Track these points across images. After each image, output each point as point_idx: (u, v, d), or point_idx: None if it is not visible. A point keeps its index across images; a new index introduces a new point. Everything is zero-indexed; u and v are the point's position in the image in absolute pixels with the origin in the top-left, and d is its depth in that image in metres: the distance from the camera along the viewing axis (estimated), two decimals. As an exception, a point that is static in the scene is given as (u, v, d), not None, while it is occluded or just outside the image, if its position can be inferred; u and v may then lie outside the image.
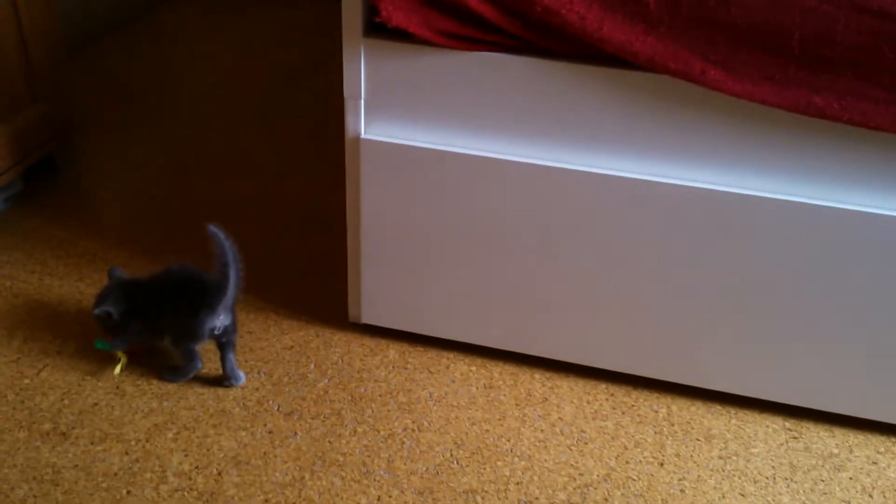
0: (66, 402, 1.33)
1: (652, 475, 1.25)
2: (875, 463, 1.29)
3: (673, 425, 1.34)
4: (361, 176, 1.32)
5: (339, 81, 1.29)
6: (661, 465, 1.27)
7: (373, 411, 1.34)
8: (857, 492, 1.24)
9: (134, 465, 1.23)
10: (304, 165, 2.01)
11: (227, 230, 1.26)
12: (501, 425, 1.33)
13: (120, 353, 1.40)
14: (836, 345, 1.26)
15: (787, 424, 1.35)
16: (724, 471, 1.26)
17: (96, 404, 1.33)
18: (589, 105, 1.20)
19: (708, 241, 1.23)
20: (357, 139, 1.30)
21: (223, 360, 1.36)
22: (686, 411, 1.37)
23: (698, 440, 1.32)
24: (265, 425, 1.31)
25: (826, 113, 1.09)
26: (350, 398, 1.37)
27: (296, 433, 1.30)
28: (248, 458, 1.25)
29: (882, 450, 1.31)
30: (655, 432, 1.33)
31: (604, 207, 1.25)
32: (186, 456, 1.25)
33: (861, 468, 1.28)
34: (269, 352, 1.45)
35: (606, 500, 1.21)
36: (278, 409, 1.34)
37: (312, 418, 1.32)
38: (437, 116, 1.26)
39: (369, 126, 1.30)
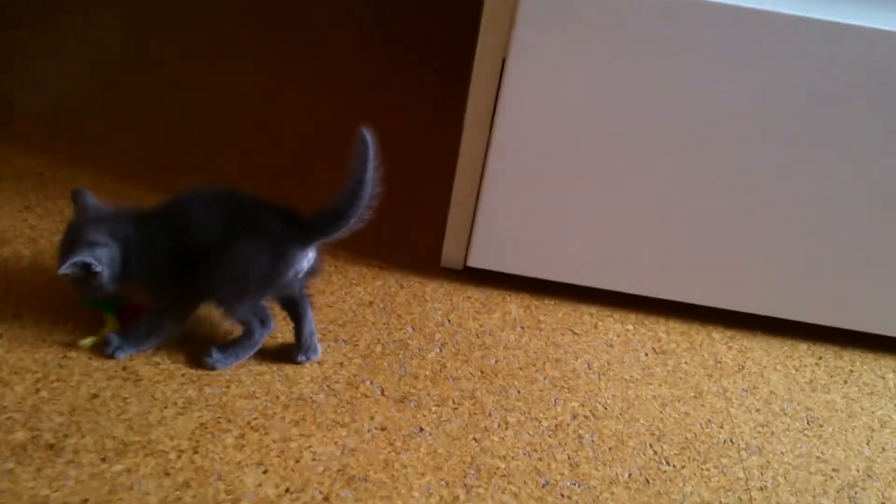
0: (44, 394, 0.83)
1: (922, 464, 0.91)
2: None
3: (913, 395, 1.01)
4: (512, 50, 0.88)
5: None
6: (928, 448, 0.93)
7: (519, 392, 0.92)
8: None
9: (185, 495, 0.75)
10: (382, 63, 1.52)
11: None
12: (702, 406, 0.94)
13: (108, 315, 0.91)
14: None
15: None
16: None
17: (96, 396, 0.84)
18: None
19: None
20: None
21: (299, 322, 0.89)
22: (919, 377, 1.03)
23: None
24: (372, 419, 0.86)
25: None
26: (480, 373, 0.94)
27: (421, 429, 0.86)
28: (364, 472, 0.80)
29: None
30: (897, 406, 0.99)
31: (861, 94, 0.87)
32: (266, 474, 0.78)
33: None
34: (342, 310, 0.99)
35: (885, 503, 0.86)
36: (383, 394, 0.89)
37: (437, 405, 0.89)
38: None
39: None
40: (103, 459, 0.77)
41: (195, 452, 0.79)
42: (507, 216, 1.00)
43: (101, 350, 0.88)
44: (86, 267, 0.81)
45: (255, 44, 1.58)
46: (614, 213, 0.98)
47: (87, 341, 0.88)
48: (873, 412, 0.97)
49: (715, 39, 0.84)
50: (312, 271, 0.87)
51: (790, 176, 0.92)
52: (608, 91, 0.89)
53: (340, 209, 0.80)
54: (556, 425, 0.89)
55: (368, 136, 0.79)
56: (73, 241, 0.82)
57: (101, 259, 0.81)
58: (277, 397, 0.86)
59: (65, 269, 0.80)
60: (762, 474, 0.87)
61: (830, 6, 0.83)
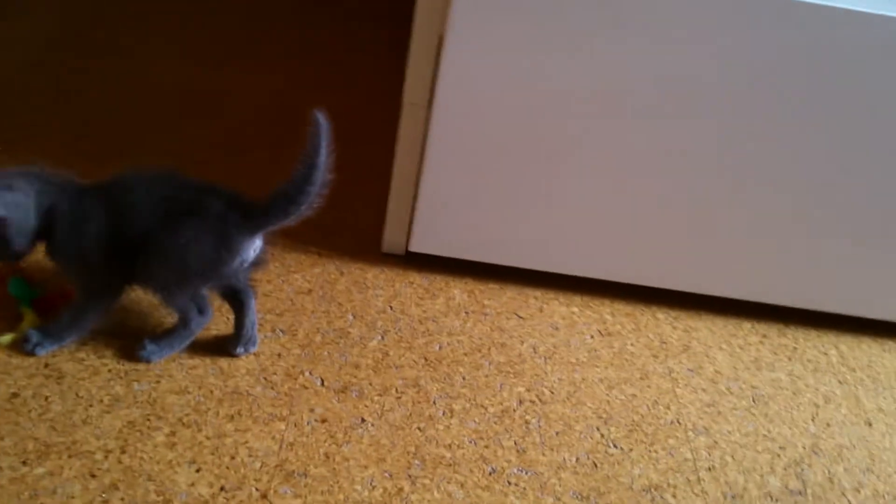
0: (-43, 395, 0.78)
1: (866, 439, 0.91)
2: None
3: (854, 370, 1.01)
4: (449, 27, 0.85)
5: None
6: (869, 424, 0.94)
7: (464, 378, 0.90)
8: None
9: (112, 497, 0.71)
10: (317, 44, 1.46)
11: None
12: (649, 387, 0.93)
13: (25, 309, 0.86)
14: None
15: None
16: (940, 426, 0.95)
17: (16, 395, 0.79)
18: None
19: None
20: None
21: (241, 313, 0.85)
22: (858, 350, 1.04)
23: (893, 386, 1.00)
24: (312, 411, 0.83)
25: None
26: (424, 361, 0.91)
27: (363, 420, 0.83)
28: (304, 466, 0.77)
29: None
30: (840, 381, 0.99)
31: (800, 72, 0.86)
32: (199, 472, 0.75)
33: None
34: (279, 299, 0.96)
35: (831, 480, 0.85)
36: (323, 385, 0.86)
37: (380, 395, 0.86)
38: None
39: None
40: (24, 462, 0.72)
41: (123, 452, 0.75)
42: (449, 199, 0.98)
43: (21, 346, 0.82)
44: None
45: (191, 22, 1.52)
46: (556, 195, 0.96)
47: (6, 338, 0.83)
48: (817, 389, 0.97)
49: (655, 14, 0.83)
50: (258, 261, 0.83)
51: (729, 154, 0.92)
52: (548, 69, 0.87)
53: (291, 194, 0.75)
54: (503, 411, 0.87)
55: (322, 119, 0.75)
56: None
57: (10, 204, 0.75)
58: (211, 391, 0.82)
59: None
60: (710, 454, 0.86)
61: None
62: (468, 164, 0.94)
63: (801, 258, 0.99)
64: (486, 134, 0.92)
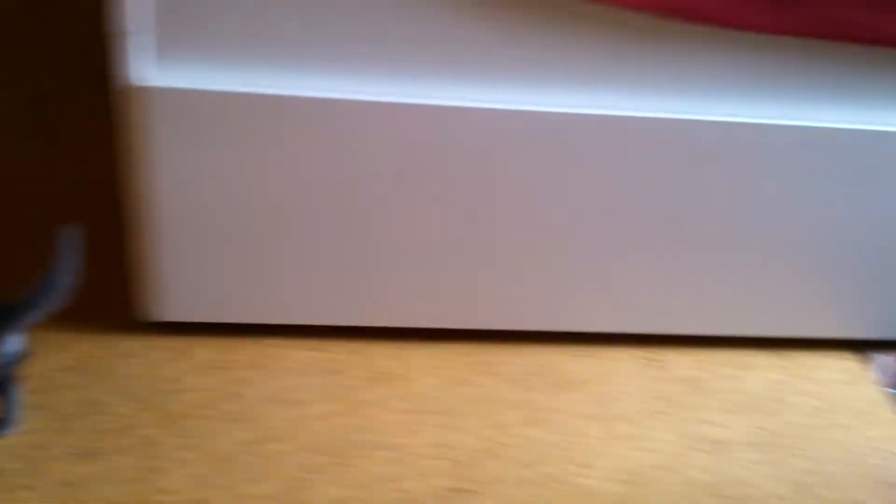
0: None
1: (529, 437, 1.13)
2: (733, 378, 1.28)
3: (536, 376, 1.23)
4: (151, 137, 1.02)
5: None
6: (536, 424, 1.16)
7: (198, 430, 1.08)
8: (723, 409, 1.22)
9: None
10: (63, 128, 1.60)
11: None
12: (356, 415, 1.13)
13: None
14: (676, 267, 1.22)
15: (644, 354, 1.30)
16: (597, 416, 1.18)
17: None
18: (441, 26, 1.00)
19: (563, 175, 1.11)
20: (139, 88, 0.99)
21: (6, 398, 1.02)
22: (544, 360, 1.26)
23: (566, 388, 1.22)
24: (53, 477, 1.00)
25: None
26: (162, 419, 1.09)
27: (98, 478, 1.00)
28: (43, 526, 0.94)
29: (738, 364, 1.30)
30: (523, 389, 1.21)
31: (455, 147, 1.07)
32: (-51, 543, 0.91)
33: (721, 385, 1.26)
34: (43, 380, 1.12)
35: (491, 476, 1.07)
36: (70, 452, 1.03)
37: (119, 454, 1.04)
38: (247, 50, 0.99)
39: (157, 68, 0.99)
40: None
41: None
42: (190, 268, 1.15)
43: None
44: None
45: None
46: (287, 254, 1.14)
47: None
48: (503, 398, 1.19)
49: (296, 128, 1.02)
50: (20, 355, 0.98)
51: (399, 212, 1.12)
52: (244, 170, 1.05)
53: (34, 301, 0.92)
54: (225, 457, 1.05)
55: (69, 234, 0.91)
56: None
57: None
58: (-34, 472, 0.99)
59: None
60: (393, 467, 1.07)
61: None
62: (196, 234, 1.11)
63: (492, 283, 1.21)
64: (206, 210, 1.09)
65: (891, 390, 1.29)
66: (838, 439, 1.20)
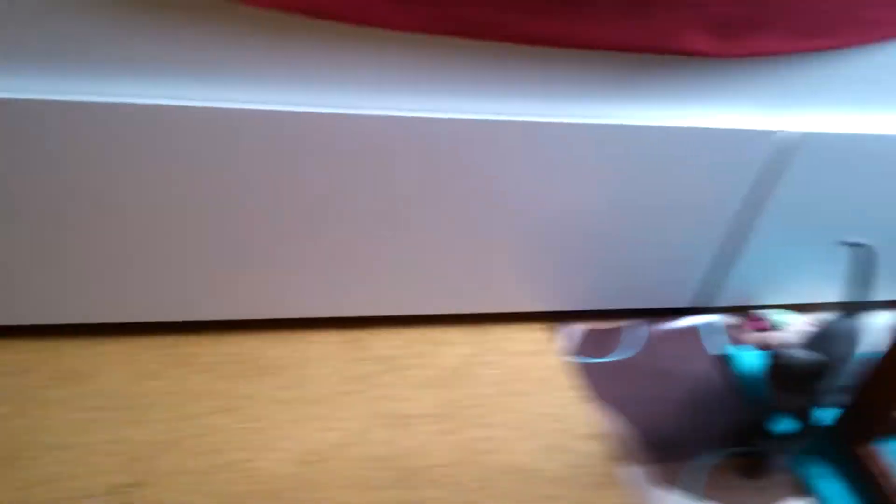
0: None
1: (216, 426, 1.17)
2: (428, 355, 1.37)
3: (236, 364, 1.27)
4: None
5: None
6: (227, 412, 1.20)
7: None
8: (413, 385, 1.31)
9: None
10: None
11: None
12: (35, 416, 1.13)
13: None
14: (371, 251, 1.29)
15: (345, 337, 1.36)
16: (291, 400, 1.23)
17: None
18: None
19: (249, 167, 1.14)
20: None
21: None
22: (245, 348, 1.30)
23: (264, 374, 1.27)
24: None
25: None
26: None
27: None
28: None
29: (434, 341, 1.40)
30: (220, 378, 1.24)
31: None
32: None
33: (415, 363, 1.35)
34: None
35: (167, 468, 1.10)
36: None
37: None
38: None
39: None
40: None
41: None
42: None
43: None
44: None
45: None
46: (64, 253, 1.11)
47: None
48: (196, 388, 1.22)
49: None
50: None
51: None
52: None
53: None
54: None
55: None
56: None
57: None
58: None
59: None
60: (63, 467, 1.07)
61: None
62: None
63: (188, 276, 1.22)
64: None
65: (571, 358, 1.42)
66: (516, 407, 1.32)
